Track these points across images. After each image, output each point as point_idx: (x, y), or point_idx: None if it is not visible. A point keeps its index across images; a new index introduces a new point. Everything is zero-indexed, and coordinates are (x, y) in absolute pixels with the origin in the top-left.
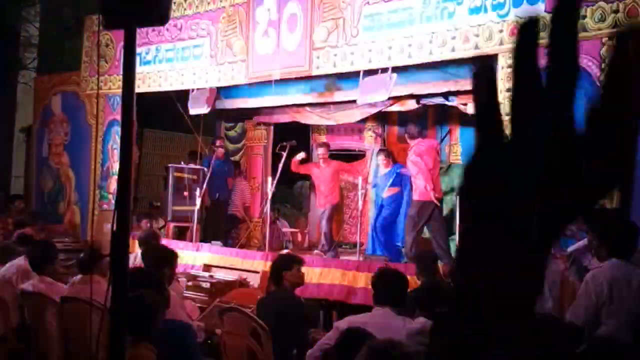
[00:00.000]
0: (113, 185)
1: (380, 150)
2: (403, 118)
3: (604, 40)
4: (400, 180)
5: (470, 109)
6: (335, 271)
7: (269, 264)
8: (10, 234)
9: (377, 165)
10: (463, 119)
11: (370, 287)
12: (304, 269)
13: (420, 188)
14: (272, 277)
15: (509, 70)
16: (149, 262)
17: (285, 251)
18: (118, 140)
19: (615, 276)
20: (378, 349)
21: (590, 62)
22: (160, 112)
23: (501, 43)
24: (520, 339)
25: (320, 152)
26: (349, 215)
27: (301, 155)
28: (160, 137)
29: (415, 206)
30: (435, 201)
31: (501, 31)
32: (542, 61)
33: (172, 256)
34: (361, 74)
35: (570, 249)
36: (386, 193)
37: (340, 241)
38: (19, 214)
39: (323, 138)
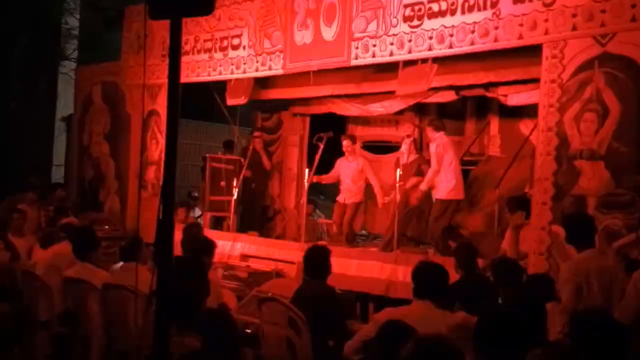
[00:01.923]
0: (151, 174)
1: (408, 136)
2: (441, 109)
3: None
4: (423, 171)
5: (510, 100)
6: (373, 263)
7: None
8: (52, 221)
9: (404, 154)
10: (502, 111)
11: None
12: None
13: (442, 185)
14: (306, 269)
15: (554, 60)
16: (188, 250)
17: (321, 242)
18: (157, 130)
19: None
20: (427, 344)
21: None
22: (197, 103)
23: (546, 33)
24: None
25: (344, 144)
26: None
27: (313, 177)
28: (196, 127)
29: (438, 205)
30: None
31: (546, 20)
32: None
33: (211, 245)
34: (400, 64)
35: (616, 244)
36: (409, 183)
37: (369, 232)
38: (60, 202)
39: (359, 129)
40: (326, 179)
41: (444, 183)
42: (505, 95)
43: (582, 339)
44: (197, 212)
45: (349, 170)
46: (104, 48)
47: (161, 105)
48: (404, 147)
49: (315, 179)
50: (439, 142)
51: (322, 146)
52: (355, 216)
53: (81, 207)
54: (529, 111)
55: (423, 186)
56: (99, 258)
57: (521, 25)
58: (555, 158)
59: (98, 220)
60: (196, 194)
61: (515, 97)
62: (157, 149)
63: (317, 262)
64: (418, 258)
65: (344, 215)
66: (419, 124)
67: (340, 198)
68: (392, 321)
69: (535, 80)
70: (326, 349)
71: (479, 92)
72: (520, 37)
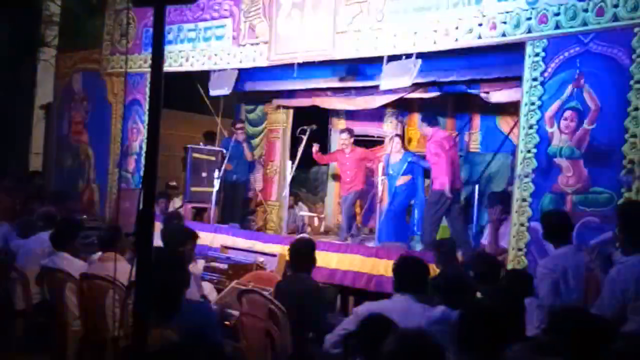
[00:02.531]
0: (132, 164)
1: (396, 135)
2: (424, 105)
3: (635, 30)
4: (412, 169)
5: (492, 97)
6: (354, 257)
7: (286, 247)
8: (28, 210)
9: (388, 153)
10: (484, 108)
11: (385, 274)
12: (323, 254)
13: (440, 178)
14: (292, 261)
15: (536, 58)
16: (168, 239)
17: (304, 235)
18: (138, 120)
19: None
20: (407, 338)
21: (621, 53)
22: (179, 93)
23: (529, 31)
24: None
25: (343, 138)
26: (365, 202)
27: (317, 146)
28: (178, 117)
29: (435, 195)
30: (452, 192)
31: (529, 19)
32: None
33: (193, 235)
34: (385, 59)
35: (593, 241)
36: (399, 181)
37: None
38: (37, 190)
39: (342, 123)
40: (325, 159)
41: (442, 176)
42: (487, 93)
43: (559, 335)
44: (177, 202)
45: (347, 164)
46: (85, 35)
47: (143, 94)
48: (394, 144)
49: (316, 156)
50: (436, 138)
51: (305, 139)
52: (356, 204)
53: (60, 196)
54: (509, 108)
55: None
56: (77, 248)
57: (504, 22)
58: (535, 155)
59: (76, 209)
60: (174, 184)
61: (497, 95)
62: (138, 138)
63: (302, 254)
64: (399, 252)
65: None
66: (402, 120)
67: (343, 192)
68: (373, 315)
69: (518, 78)
70: (306, 341)
71: (462, 89)
72: (504, 34)
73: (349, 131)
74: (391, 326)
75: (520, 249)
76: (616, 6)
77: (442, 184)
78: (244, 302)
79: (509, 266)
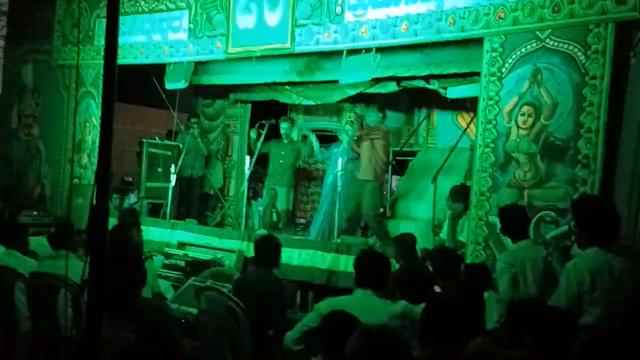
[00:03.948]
0: (85, 159)
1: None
2: (382, 100)
3: (590, 26)
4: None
5: (449, 93)
6: (315, 253)
7: (244, 243)
8: None
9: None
10: (442, 103)
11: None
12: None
13: (369, 168)
14: (255, 255)
15: (494, 54)
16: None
17: (262, 231)
18: (91, 114)
19: (597, 265)
20: (371, 335)
21: (576, 49)
22: (134, 86)
23: (487, 26)
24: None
25: (284, 127)
26: (304, 195)
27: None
28: (134, 111)
29: (359, 185)
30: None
31: (487, 14)
32: None
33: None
34: (344, 53)
35: (550, 235)
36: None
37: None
38: None
39: (301, 117)
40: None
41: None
42: (445, 88)
43: (518, 327)
44: (132, 198)
45: (284, 154)
46: (35, 25)
47: (96, 87)
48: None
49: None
50: (376, 132)
51: (264, 134)
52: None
53: (8, 192)
54: (467, 104)
55: None
56: (26, 245)
57: (463, 18)
58: (493, 150)
59: (27, 205)
60: (130, 179)
61: (456, 90)
62: (91, 133)
63: (267, 249)
64: (359, 247)
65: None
66: (360, 114)
67: (275, 183)
68: (336, 312)
69: (476, 74)
70: (266, 339)
71: (420, 84)
72: (462, 30)
73: (290, 120)
74: (354, 323)
75: (478, 243)
76: (572, 3)
77: (368, 174)
78: (202, 299)
79: (468, 260)
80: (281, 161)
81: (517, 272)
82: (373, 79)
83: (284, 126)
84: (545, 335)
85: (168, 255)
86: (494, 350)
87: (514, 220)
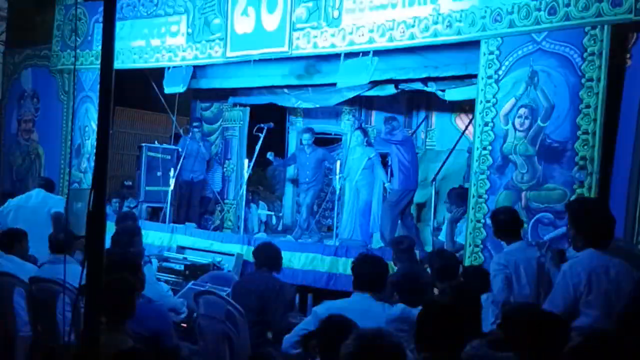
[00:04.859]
0: (84, 163)
1: (358, 129)
2: (381, 103)
3: (586, 29)
4: (372, 164)
5: (447, 96)
6: (315, 256)
7: (244, 247)
8: None
9: (348, 147)
10: (440, 106)
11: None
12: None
13: (399, 177)
14: (255, 257)
15: (491, 56)
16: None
17: (262, 235)
18: (90, 118)
19: (593, 266)
20: (366, 338)
21: (573, 51)
22: (134, 90)
23: (484, 29)
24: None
25: (305, 137)
26: (324, 200)
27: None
28: (133, 115)
29: (395, 194)
30: (408, 192)
31: (484, 17)
32: None
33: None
34: (342, 56)
35: (546, 237)
36: (360, 176)
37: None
38: None
39: (300, 121)
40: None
41: (400, 176)
42: (443, 91)
43: (513, 331)
44: (132, 202)
45: (308, 163)
46: (34, 31)
47: (94, 91)
48: (356, 137)
49: None
50: (397, 138)
51: (262, 137)
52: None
53: (8, 197)
54: (465, 106)
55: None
56: (25, 250)
57: (460, 21)
58: (490, 153)
59: None
60: (130, 183)
61: (453, 93)
62: (90, 137)
63: (268, 253)
64: (358, 250)
65: None
66: (359, 117)
67: (301, 191)
68: (333, 315)
69: (473, 76)
70: (264, 342)
71: (418, 86)
72: (459, 32)
73: (311, 131)
74: (351, 326)
75: (477, 245)
76: (568, 5)
77: (400, 183)
78: (201, 303)
79: (466, 262)
80: (307, 172)
81: (510, 274)
82: (371, 82)
83: (305, 137)
84: (538, 339)
85: (167, 259)
86: (489, 353)
87: (506, 222)
